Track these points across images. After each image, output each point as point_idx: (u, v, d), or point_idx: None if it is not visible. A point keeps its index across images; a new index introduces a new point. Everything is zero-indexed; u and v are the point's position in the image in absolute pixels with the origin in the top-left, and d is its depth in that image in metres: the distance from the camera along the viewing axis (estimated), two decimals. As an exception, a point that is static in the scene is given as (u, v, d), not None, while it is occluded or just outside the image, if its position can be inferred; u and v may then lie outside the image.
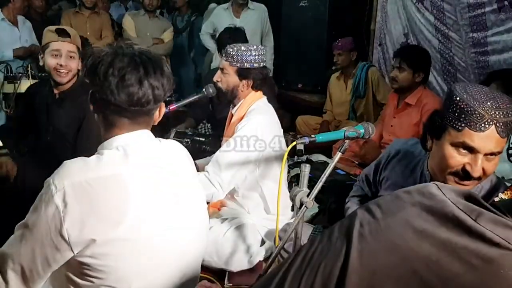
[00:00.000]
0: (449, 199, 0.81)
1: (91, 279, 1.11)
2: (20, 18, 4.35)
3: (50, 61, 2.33)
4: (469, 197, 0.84)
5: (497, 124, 1.21)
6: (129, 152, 1.16)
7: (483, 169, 1.27)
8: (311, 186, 1.51)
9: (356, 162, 3.36)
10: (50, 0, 5.25)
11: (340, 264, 0.82)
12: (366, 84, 3.85)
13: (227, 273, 2.14)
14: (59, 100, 2.43)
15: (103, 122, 1.20)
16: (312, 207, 1.52)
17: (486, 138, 1.23)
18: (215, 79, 2.24)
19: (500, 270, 0.69)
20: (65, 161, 1.12)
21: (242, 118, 2.20)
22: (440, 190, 0.84)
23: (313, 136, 1.55)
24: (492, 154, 1.26)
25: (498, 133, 1.22)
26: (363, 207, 0.91)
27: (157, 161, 1.21)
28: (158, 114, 1.26)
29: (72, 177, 1.07)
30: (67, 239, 1.05)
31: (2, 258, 1.10)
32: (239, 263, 2.14)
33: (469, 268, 0.71)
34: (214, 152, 2.22)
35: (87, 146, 2.34)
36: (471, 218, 0.76)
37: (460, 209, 0.78)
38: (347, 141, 1.57)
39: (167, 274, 1.20)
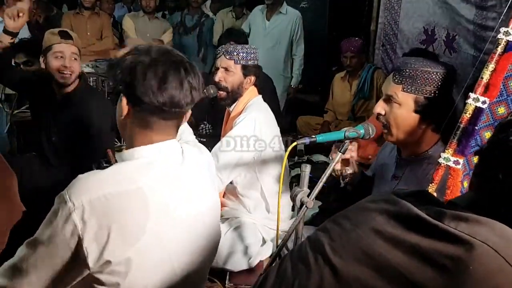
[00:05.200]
0: (411, 202, 0.82)
1: None
2: None
3: (54, 63, 2.35)
4: (423, 194, 0.87)
5: (394, 73, 1.51)
6: (153, 165, 1.13)
7: (385, 113, 1.53)
8: (311, 186, 1.52)
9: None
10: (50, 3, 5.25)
11: (314, 281, 0.82)
12: (371, 85, 3.85)
13: (227, 273, 2.15)
14: (64, 101, 2.45)
15: (137, 123, 1.15)
16: (312, 207, 1.53)
17: (387, 82, 1.55)
18: (217, 79, 2.23)
19: (470, 266, 0.70)
20: (79, 176, 1.07)
21: (239, 114, 2.22)
22: (400, 195, 0.86)
23: (313, 136, 1.55)
24: (388, 97, 1.52)
25: (393, 80, 1.51)
26: (331, 221, 0.92)
27: (178, 173, 1.18)
28: (186, 115, 1.23)
29: (90, 193, 1.03)
30: (86, 257, 1.02)
31: (15, 272, 1.07)
32: (239, 263, 2.15)
33: (440, 270, 0.72)
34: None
35: (92, 148, 2.38)
36: (435, 219, 0.77)
37: (424, 212, 0.79)
38: (347, 141, 1.57)
39: (178, 282, 1.19)
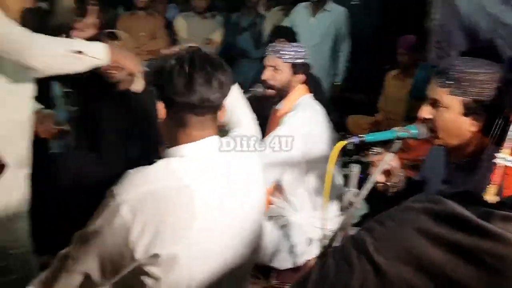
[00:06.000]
0: (457, 202, 0.81)
1: (146, 283, 1.12)
2: None
3: None
4: (470, 194, 0.85)
5: (440, 75, 1.48)
6: (198, 162, 1.15)
7: (432, 118, 1.49)
8: (360, 187, 1.49)
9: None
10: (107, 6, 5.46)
11: (356, 280, 0.82)
12: (428, 85, 3.73)
13: (273, 270, 2.15)
14: (119, 99, 2.54)
15: (174, 122, 1.18)
16: (361, 208, 1.50)
17: (432, 85, 1.52)
18: (265, 78, 2.25)
19: None
20: (128, 171, 1.12)
21: (287, 112, 2.21)
22: (446, 195, 0.85)
23: (362, 135, 1.53)
24: (434, 101, 1.48)
25: (438, 83, 1.48)
26: (375, 220, 0.91)
27: (221, 169, 1.20)
28: (221, 114, 1.24)
29: (138, 188, 1.07)
30: (133, 250, 1.06)
31: (68, 261, 1.13)
32: (285, 262, 2.15)
33: (483, 269, 0.71)
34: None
35: (145, 145, 2.46)
36: (483, 219, 0.76)
37: (471, 212, 0.78)
38: (398, 141, 1.53)
39: (223, 278, 1.21)
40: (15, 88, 1.69)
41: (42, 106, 1.98)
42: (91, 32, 2.14)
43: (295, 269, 2.15)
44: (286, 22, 4.44)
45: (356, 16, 4.63)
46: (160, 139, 1.27)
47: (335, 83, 4.45)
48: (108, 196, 1.09)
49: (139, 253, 1.06)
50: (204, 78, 1.13)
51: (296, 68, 2.22)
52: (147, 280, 1.11)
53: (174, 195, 1.09)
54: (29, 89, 1.74)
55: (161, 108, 1.18)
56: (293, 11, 4.45)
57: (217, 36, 4.81)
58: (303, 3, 4.38)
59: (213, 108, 1.19)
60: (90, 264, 1.10)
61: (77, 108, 3.12)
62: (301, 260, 2.16)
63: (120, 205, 1.05)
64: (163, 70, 1.15)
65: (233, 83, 1.24)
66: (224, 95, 1.19)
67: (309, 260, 2.17)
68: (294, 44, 2.31)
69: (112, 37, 2.46)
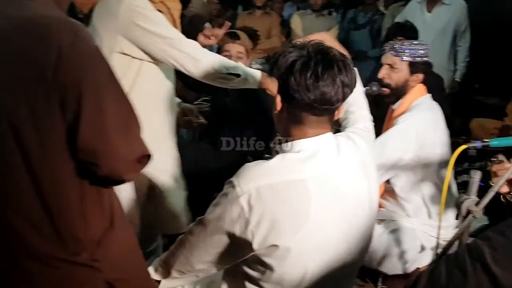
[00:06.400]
0: None
1: (261, 271, 1.18)
2: None
3: None
4: None
5: None
6: (314, 158, 1.17)
7: None
8: (480, 196, 1.39)
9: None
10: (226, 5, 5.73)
11: None
12: None
13: (381, 275, 2.10)
14: (234, 94, 2.68)
15: (290, 118, 1.20)
16: (480, 218, 1.40)
17: None
18: (381, 76, 2.19)
19: None
20: (246, 164, 1.17)
21: (403, 112, 2.13)
22: None
23: (486, 140, 1.42)
24: None
25: None
26: (495, 230, 0.86)
27: (335, 165, 1.20)
28: (338, 113, 1.24)
29: (257, 181, 1.11)
30: (250, 240, 1.11)
31: (186, 244, 1.22)
32: (394, 267, 2.08)
33: None
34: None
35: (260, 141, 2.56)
36: None
37: None
38: (528, 148, 1.40)
39: (334, 271, 1.23)
40: (165, 83, 1.88)
41: (180, 100, 2.15)
42: (214, 41, 2.29)
43: (404, 276, 2.07)
44: (398, 19, 4.25)
45: (481, 9, 4.28)
46: (272, 134, 1.32)
47: (454, 79, 4.16)
48: (228, 187, 1.15)
49: (256, 244, 1.11)
50: (330, 80, 1.12)
51: (415, 67, 2.13)
52: (262, 269, 1.16)
53: (290, 189, 1.12)
54: (173, 85, 1.94)
55: (278, 101, 1.20)
56: (406, 8, 4.24)
57: (332, 34, 4.78)
58: None
59: (330, 110, 1.18)
60: (206, 250, 1.19)
61: (198, 103, 3.34)
62: (411, 267, 2.08)
63: (239, 196, 1.11)
64: (291, 66, 1.13)
65: (356, 82, 1.20)
66: (345, 97, 1.16)
67: (419, 268, 2.08)
68: (414, 41, 2.21)
69: (233, 37, 2.59)
